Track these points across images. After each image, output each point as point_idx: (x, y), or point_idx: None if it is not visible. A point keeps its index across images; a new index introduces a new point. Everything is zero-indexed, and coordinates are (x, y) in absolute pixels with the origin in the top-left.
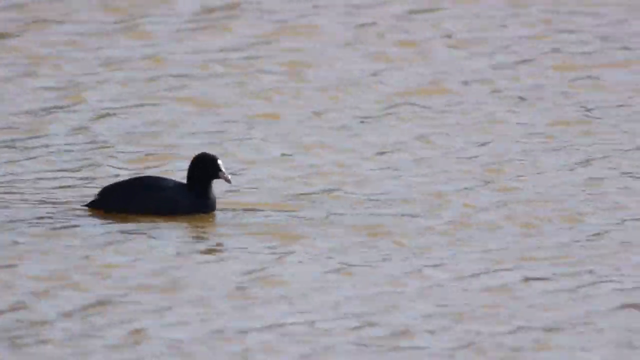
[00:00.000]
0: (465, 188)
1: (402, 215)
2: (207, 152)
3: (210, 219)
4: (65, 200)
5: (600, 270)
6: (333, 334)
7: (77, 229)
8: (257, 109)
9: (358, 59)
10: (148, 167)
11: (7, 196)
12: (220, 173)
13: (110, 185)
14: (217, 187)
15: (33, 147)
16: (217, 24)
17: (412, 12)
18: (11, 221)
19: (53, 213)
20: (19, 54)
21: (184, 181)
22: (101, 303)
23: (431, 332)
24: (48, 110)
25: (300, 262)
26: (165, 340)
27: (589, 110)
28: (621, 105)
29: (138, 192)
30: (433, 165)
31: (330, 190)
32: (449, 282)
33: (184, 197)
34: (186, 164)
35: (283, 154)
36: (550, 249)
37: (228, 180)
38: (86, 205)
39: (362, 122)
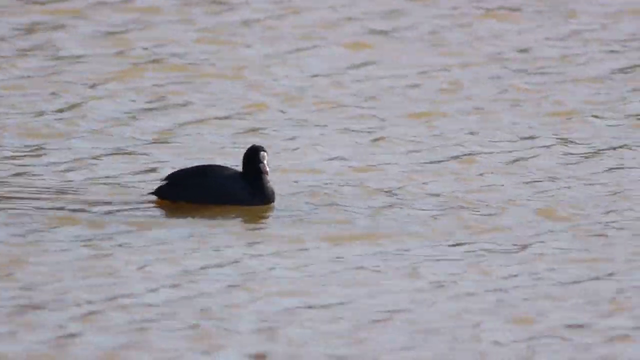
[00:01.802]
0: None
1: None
2: (257, 144)
3: (268, 210)
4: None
5: None
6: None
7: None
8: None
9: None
10: None
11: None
12: (260, 165)
13: (176, 173)
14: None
15: None
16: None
17: None
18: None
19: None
20: None
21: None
22: None
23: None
24: None
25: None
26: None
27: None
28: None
29: (209, 182)
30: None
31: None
32: None
33: (242, 188)
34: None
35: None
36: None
37: (264, 172)
38: (152, 193)
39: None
